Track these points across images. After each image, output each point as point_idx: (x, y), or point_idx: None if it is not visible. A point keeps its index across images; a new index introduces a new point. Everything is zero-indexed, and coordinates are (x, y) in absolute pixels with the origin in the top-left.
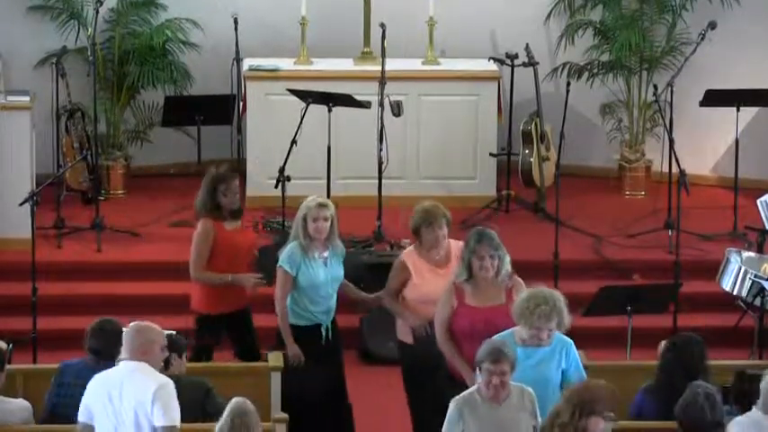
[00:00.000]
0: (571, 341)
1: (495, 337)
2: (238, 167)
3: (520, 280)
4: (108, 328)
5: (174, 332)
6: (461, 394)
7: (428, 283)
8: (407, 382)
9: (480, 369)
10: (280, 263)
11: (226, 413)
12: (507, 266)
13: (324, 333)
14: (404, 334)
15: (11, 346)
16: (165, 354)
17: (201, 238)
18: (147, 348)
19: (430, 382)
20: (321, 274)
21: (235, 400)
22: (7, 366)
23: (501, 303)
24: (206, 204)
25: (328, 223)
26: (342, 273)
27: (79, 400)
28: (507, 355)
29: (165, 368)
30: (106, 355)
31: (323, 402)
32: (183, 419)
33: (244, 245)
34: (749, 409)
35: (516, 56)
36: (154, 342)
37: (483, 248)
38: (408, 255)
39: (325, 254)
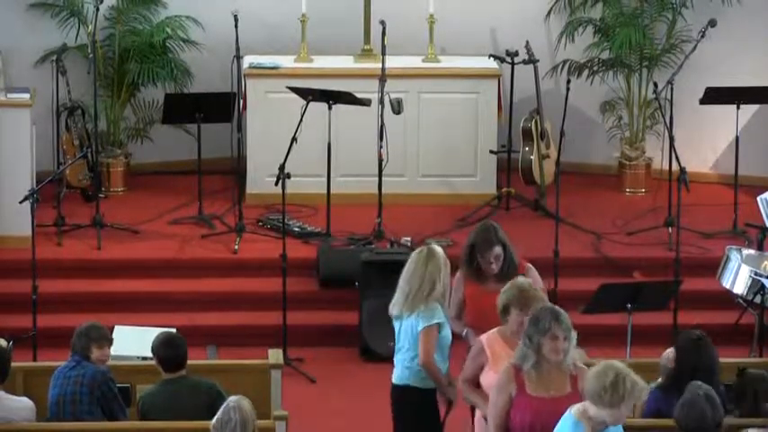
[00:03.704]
0: None
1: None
2: (239, 167)
3: (584, 366)
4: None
5: (175, 329)
6: None
7: None
8: None
9: None
10: (435, 321)
11: (222, 408)
12: (574, 348)
13: None
14: (480, 429)
15: (11, 343)
16: None
17: (453, 287)
18: None
19: None
20: (449, 331)
21: (232, 397)
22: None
23: (567, 393)
24: (462, 262)
25: None
26: None
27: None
28: None
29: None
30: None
31: None
32: (191, 420)
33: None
34: (749, 407)
35: (516, 53)
36: None
37: (559, 328)
38: (489, 337)
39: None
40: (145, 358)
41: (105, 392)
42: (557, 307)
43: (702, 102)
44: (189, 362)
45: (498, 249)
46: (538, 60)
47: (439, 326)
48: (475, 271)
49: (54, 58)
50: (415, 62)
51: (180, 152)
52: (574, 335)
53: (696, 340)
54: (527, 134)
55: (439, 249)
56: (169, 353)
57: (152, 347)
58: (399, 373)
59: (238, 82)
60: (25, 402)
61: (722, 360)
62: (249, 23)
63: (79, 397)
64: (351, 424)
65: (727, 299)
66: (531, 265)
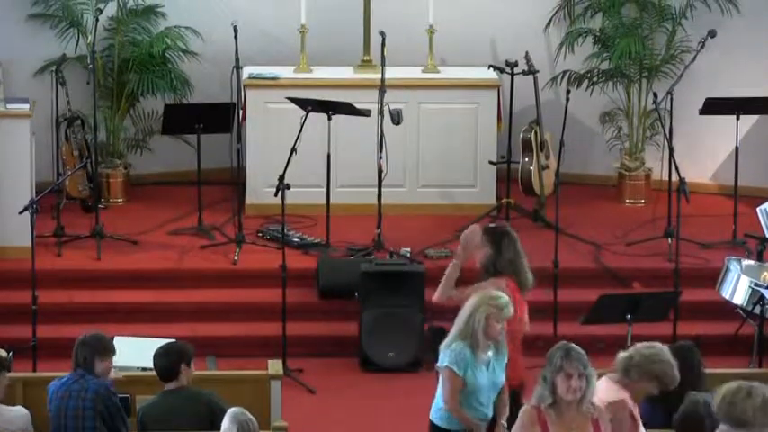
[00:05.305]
0: None
1: None
2: (238, 177)
3: (602, 407)
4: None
5: (174, 340)
6: None
7: None
8: None
9: None
10: (447, 363)
11: (228, 420)
12: (593, 388)
13: None
14: None
15: (11, 353)
16: None
17: None
18: None
19: None
20: (484, 378)
21: (234, 408)
22: (8, 375)
23: None
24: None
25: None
26: (503, 378)
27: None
28: None
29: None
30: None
31: None
32: (190, 431)
33: None
34: None
35: (516, 64)
36: None
37: (572, 366)
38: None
39: (489, 353)
40: (144, 369)
41: (109, 406)
42: (571, 344)
43: (702, 112)
44: None
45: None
46: (537, 71)
47: (453, 369)
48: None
49: (53, 68)
50: (414, 73)
51: (179, 163)
52: (591, 372)
53: (678, 349)
54: (527, 145)
55: (486, 291)
56: (160, 363)
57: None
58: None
59: (238, 92)
60: (20, 411)
61: (722, 371)
62: (249, 34)
63: (82, 412)
64: None
65: (726, 309)
66: (502, 291)
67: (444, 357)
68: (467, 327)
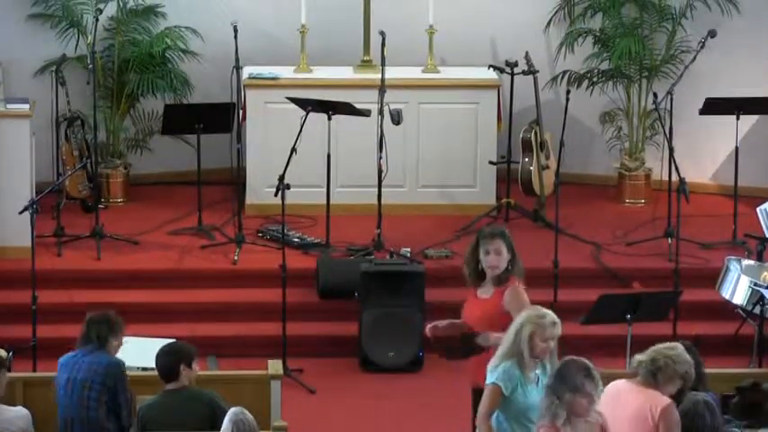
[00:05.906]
0: None
1: None
2: (238, 177)
3: (600, 411)
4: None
5: (175, 340)
6: None
7: None
8: None
9: None
10: (494, 380)
11: (227, 420)
12: (599, 398)
13: None
14: None
15: (11, 353)
16: None
17: None
18: None
19: None
20: (535, 395)
21: (234, 408)
22: (7, 374)
23: None
24: (465, 261)
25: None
26: None
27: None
28: None
29: None
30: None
31: None
32: (188, 430)
33: (470, 316)
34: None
35: (516, 64)
36: None
37: (592, 385)
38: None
39: (537, 371)
40: (145, 369)
41: (118, 383)
42: (585, 361)
43: (702, 112)
44: None
45: (500, 243)
46: (537, 71)
47: (501, 387)
48: (474, 270)
49: (53, 68)
50: (414, 73)
51: (179, 163)
52: (601, 385)
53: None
54: (527, 145)
55: (533, 308)
56: (160, 363)
57: None
58: None
59: (238, 92)
60: (20, 411)
61: (721, 371)
62: (249, 34)
63: (90, 384)
64: None
65: (726, 309)
66: (518, 286)
67: (492, 376)
68: (513, 346)
